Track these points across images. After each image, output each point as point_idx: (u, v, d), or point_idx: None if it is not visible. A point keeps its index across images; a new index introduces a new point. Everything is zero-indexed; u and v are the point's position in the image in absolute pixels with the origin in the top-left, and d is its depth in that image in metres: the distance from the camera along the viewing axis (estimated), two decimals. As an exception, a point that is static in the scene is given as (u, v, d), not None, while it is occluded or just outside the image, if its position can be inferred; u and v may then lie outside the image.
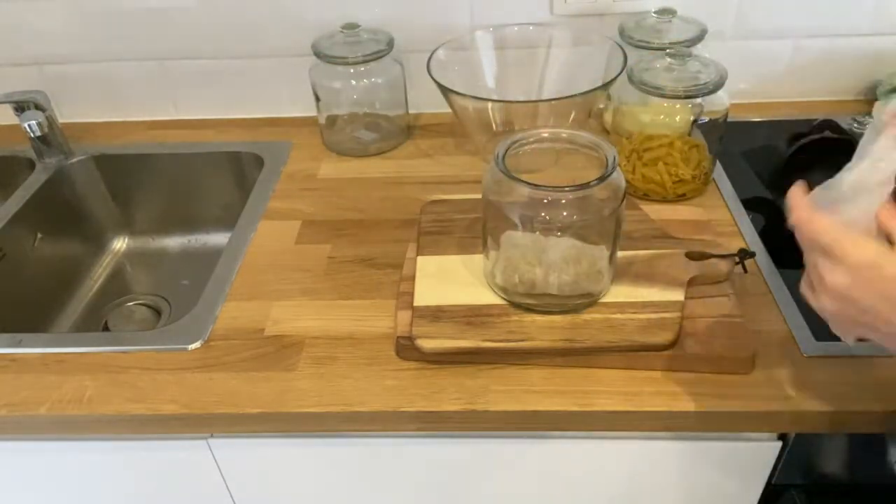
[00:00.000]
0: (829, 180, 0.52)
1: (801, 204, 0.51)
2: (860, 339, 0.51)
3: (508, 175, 0.64)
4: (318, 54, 0.97)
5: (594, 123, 1.02)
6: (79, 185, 1.07)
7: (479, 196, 0.70)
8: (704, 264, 0.73)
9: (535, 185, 0.63)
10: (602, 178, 0.63)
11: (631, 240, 0.75)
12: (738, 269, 0.73)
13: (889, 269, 0.46)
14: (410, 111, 1.07)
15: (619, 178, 0.66)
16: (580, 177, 0.64)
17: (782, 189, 0.88)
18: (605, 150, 0.66)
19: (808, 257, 0.51)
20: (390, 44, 0.99)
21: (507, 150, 0.67)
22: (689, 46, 0.91)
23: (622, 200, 0.66)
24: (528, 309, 0.70)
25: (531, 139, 0.69)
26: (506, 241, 0.69)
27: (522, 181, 0.64)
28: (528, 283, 0.69)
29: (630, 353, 0.67)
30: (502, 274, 0.70)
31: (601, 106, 1.01)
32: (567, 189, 0.64)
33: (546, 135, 0.70)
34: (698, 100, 0.84)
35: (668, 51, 0.85)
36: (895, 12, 1.00)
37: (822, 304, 0.50)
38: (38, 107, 1.00)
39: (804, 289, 0.53)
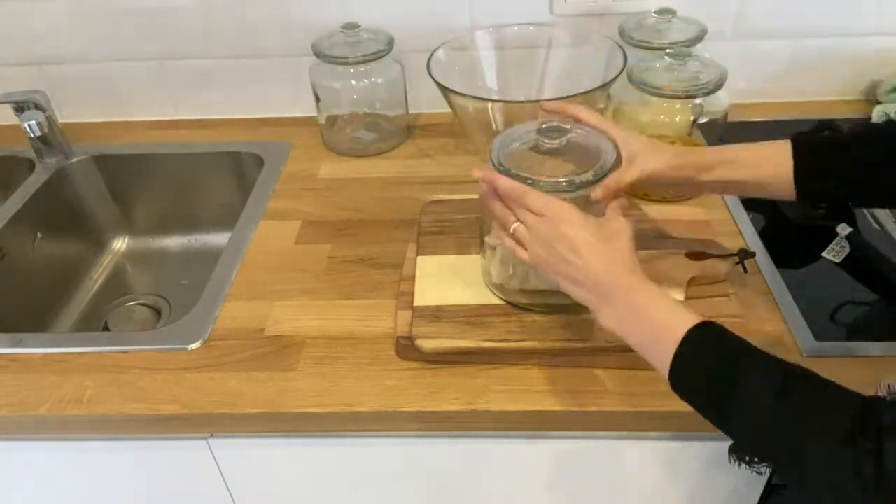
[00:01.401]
0: None
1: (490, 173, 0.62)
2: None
3: (508, 174, 0.64)
4: (318, 54, 0.97)
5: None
6: (79, 185, 1.07)
7: (478, 196, 0.69)
8: (704, 264, 0.72)
9: (535, 185, 0.63)
10: (602, 178, 0.63)
11: (631, 240, 0.75)
12: (738, 269, 0.73)
13: (565, 215, 0.57)
14: (410, 111, 1.07)
15: (618, 178, 0.65)
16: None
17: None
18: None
19: (512, 214, 0.60)
20: (390, 44, 0.99)
21: (503, 148, 0.67)
22: (689, 46, 0.91)
23: (622, 200, 0.65)
24: (528, 310, 0.70)
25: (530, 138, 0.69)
26: None
27: (522, 180, 0.63)
28: (521, 274, 0.68)
29: (630, 353, 0.66)
30: (497, 267, 0.70)
31: (601, 106, 1.01)
32: (566, 188, 0.63)
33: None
34: (698, 100, 0.84)
35: (668, 51, 0.85)
36: (895, 12, 1.00)
37: (534, 251, 0.58)
38: (38, 107, 1.00)
39: (507, 241, 0.61)
